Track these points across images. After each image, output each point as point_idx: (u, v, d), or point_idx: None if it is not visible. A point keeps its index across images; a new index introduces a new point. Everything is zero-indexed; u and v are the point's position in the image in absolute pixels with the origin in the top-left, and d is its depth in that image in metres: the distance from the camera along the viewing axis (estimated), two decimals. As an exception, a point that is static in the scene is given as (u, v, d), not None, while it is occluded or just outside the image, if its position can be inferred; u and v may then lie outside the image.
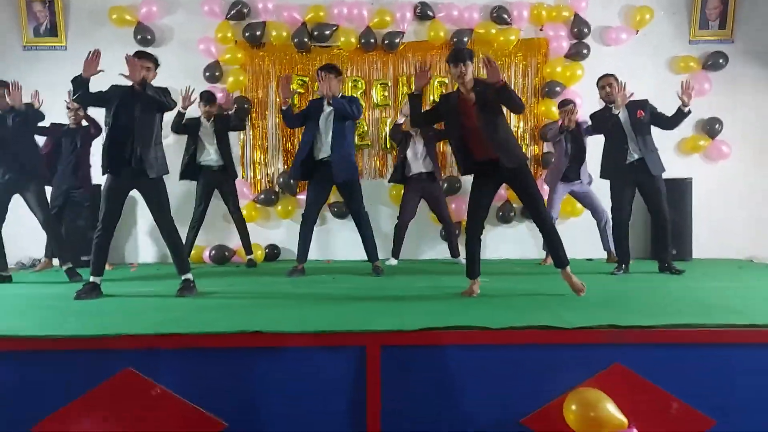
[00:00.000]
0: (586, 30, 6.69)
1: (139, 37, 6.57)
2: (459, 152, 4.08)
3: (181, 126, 5.91)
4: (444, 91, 6.75)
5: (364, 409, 2.79)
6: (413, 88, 4.37)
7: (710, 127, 6.69)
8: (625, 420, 2.56)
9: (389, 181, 6.40)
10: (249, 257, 6.17)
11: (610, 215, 5.57)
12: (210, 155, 6.03)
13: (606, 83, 5.23)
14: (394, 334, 2.86)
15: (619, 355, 2.81)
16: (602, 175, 5.42)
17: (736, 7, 6.68)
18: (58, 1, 6.56)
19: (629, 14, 6.75)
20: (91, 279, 4.13)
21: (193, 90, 5.74)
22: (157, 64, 4.26)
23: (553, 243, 4.00)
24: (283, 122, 5.45)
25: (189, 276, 4.24)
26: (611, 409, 2.59)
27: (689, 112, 5.09)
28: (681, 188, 6.34)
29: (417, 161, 6.08)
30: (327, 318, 3.19)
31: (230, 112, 6.42)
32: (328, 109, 5.13)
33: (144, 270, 6.00)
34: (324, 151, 5.12)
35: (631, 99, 5.19)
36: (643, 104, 5.23)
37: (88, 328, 2.99)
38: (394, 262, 6.15)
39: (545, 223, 3.97)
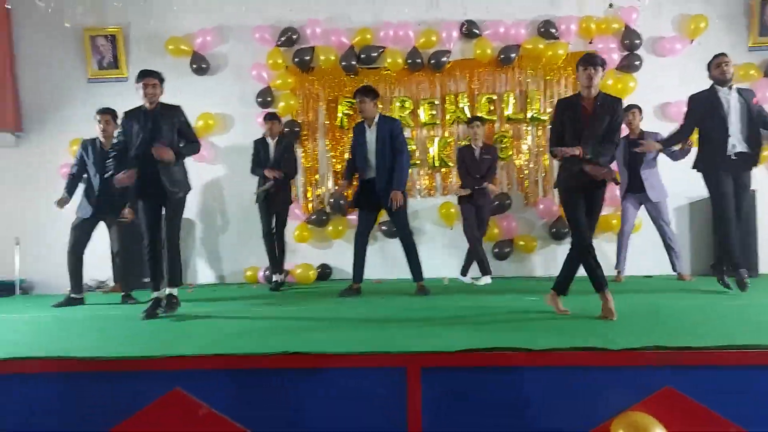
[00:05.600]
0: (637, 41, 6.54)
1: (194, 66, 6.84)
2: (567, 159, 3.84)
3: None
4: (492, 108, 6.73)
5: (405, 431, 2.78)
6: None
7: (775, 137, 6.39)
8: (676, 447, 2.46)
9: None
10: (275, 279, 6.11)
11: (672, 231, 5.50)
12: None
13: (722, 61, 4.82)
14: (434, 355, 2.84)
15: (671, 379, 2.70)
16: (696, 166, 4.93)
17: (798, 10, 6.40)
18: (119, 35, 6.91)
19: (683, 23, 6.57)
20: (154, 294, 4.34)
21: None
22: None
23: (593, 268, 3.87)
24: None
25: (174, 291, 4.38)
26: (661, 434, 2.49)
27: None
28: (745, 201, 6.05)
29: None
30: (369, 340, 3.20)
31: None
32: (369, 131, 5.18)
33: (200, 292, 6.17)
34: (370, 173, 5.18)
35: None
36: (753, 94, 4.90)
37: (139, 349, 3.10)
38: (487, 279, 5.91)
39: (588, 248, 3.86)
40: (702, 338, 2.93)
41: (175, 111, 4.38)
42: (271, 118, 6.12)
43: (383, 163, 5.09)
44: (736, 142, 4.72)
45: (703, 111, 4.83)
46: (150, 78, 4.25)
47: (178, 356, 2.94)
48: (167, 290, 4.36)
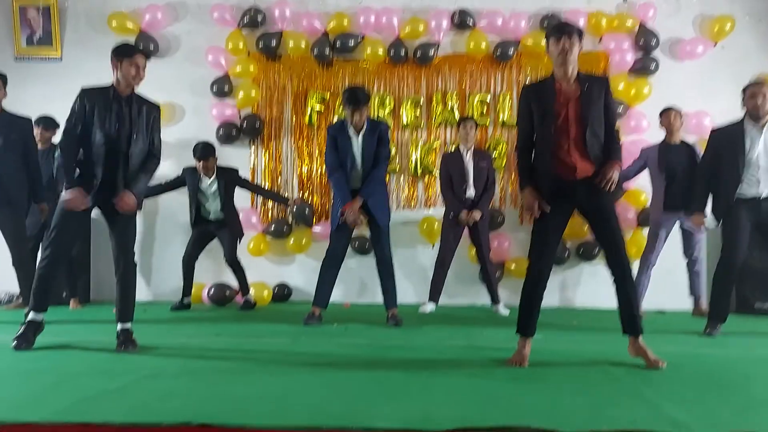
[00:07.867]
0: (653, 42, 5.71)
1: (141, 46, 5.82)
2: (538, 156, 3.03)
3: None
4: (483, 111, 5.85)
5: None
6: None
7: (806, 156, 5.60)
8: None
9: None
10: (245, 298, 5.34)
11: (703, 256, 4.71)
12: (212, 210, 5.32)
13: (759, 92, 4.00)
14: (411, 436, 1.88)
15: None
16: (713, 212, 4.26)
17: (835, 15, 5.65)
18: (54, 7, 5.91)
19: (705, 24, 5.77)
20: (30, 317, 3.29)
21: None
22: None
23: (630, 300, 2.97)
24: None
25: (129, 326, 3.35)
26: None
27: None
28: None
29: (468, 184, 5.16)
30: (315, 400, 2.23)
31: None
32: (357, 137, 4.39)
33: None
34: (355, 183, 4.42)
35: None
36: None
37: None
38: (431, 307, 5.17)
39: (624, 267, 2.94)
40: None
41: (155, 109, 3.45)
42: (205, 154, 5.15)
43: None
44: (763, 185, 3.99)
45: (723, 148, 4.13)
46: (140, 56, 3.30)
47: (28, 424, 1.95)
48: (119, 325, 3.33)
